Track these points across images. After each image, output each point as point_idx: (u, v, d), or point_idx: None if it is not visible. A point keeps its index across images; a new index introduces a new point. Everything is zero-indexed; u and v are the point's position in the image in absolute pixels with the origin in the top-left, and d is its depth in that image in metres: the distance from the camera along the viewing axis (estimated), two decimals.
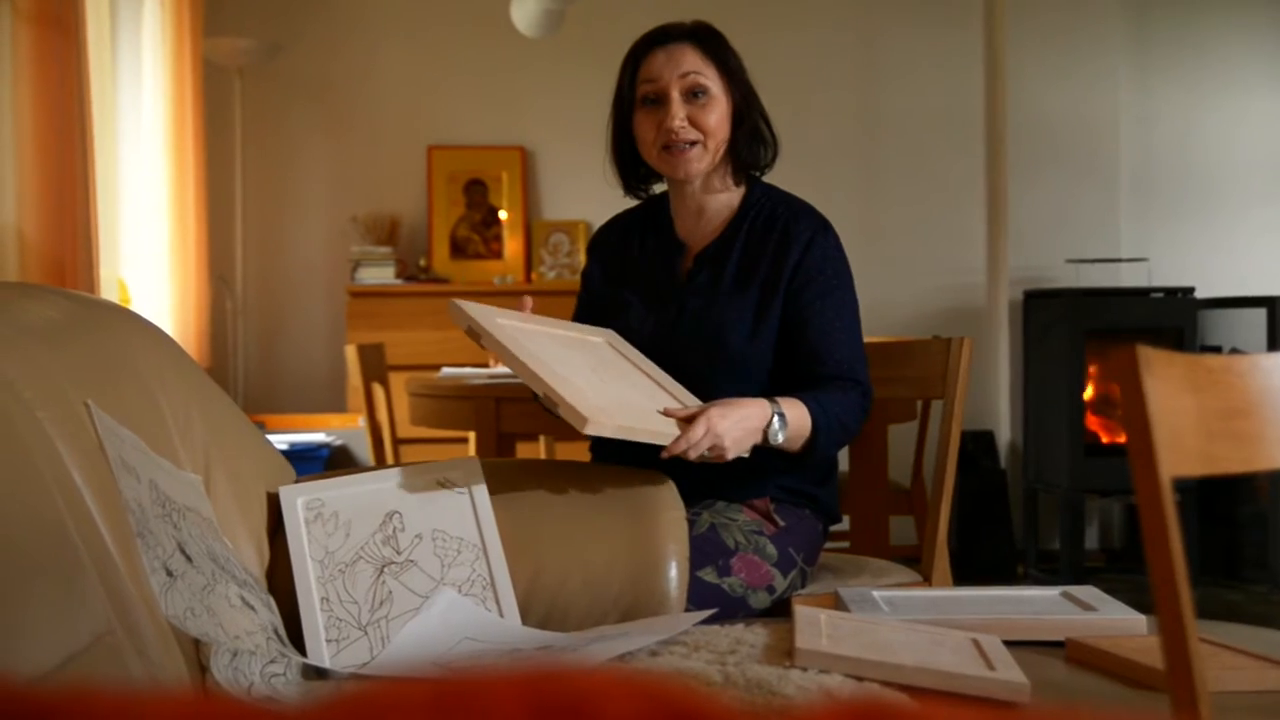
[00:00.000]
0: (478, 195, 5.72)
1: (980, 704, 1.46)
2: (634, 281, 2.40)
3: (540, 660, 1.73)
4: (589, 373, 2.09)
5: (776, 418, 2.11)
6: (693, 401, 2.18)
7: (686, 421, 2.02)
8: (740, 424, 2.06)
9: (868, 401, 2.29)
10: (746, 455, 2.10)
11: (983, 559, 5.42)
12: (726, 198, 2.39)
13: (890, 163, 5.89)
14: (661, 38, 2.33)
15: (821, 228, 2.33)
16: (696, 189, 2.38)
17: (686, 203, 2.40)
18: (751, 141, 2.34)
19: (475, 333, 2.04)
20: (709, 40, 2.32)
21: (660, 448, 2.01)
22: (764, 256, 2.31)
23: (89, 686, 0.41)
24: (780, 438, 2.12)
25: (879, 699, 0.39)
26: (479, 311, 2.08)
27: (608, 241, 2.50)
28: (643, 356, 2.29)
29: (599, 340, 2.28)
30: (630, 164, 2.42)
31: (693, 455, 2.01)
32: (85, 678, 1.23)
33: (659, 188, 2.47)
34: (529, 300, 2.29)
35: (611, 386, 2.09)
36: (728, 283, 2.32)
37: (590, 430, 1.88)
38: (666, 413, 2.04)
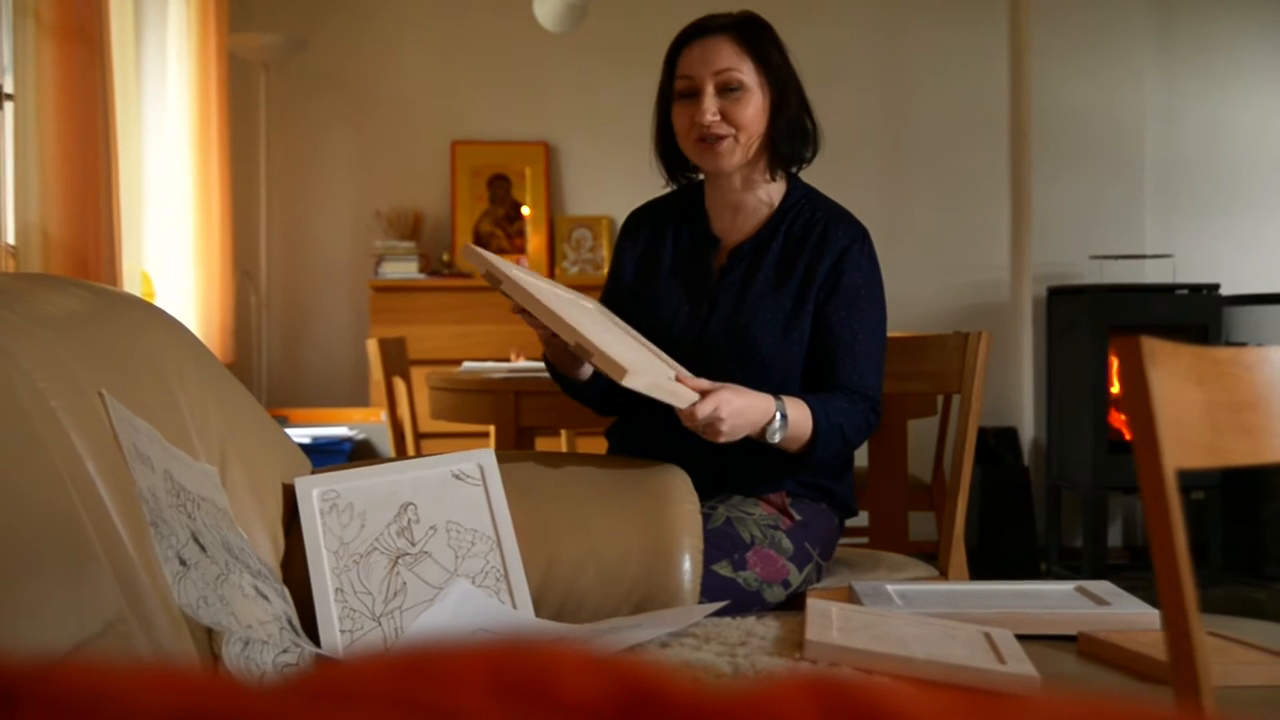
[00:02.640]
0: (501, 190, 5.73)
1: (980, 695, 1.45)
2: (666, 274, 2.38)
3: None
4: (601, 332, 2.10)
5: (779, 417, 2.12)
6: (684, 374, 2.20)
7: (701, 393, 2.04)
8: (744, 413, 2.07)
9: (875, 418, 2.28)
10: (734, 440, 2.10)
11: (1005, 556, 5.41)
12: (765, 194, 2.36)
13: (915, 158, 5.87)
14: (700, 30, 2.30)
15: (860, 237, 2.31)
16: (735, 184, 2.35)
17: (724, 197, 2.38)
18: (790, 135, 2.30)
19: (495, 278, 2.04)
20: (749, 33, 2.29)
21: (667, 435, 2.09)
22: (799, 260, 2.30)
23: (86, 665, 0.41)
24: (778, 438, 2.13)
25: (838, 676, 0.40)
26: (492, 258, 2.08)
27: (641, 226, 2.47)
28: (630, 329, 2.30)
29: (591, 306, 2.29)
30: (672, 155, 2.41)
31: (693, 425, 2.03)
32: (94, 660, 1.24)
33: (702, 176, 2.45)
34: (523, 259, 2.30)
35: (625, 346, 2.10)
36: (760, 283, 2.30)
37: (628, 381, 1.87)
38: (684, 382, 2.04)
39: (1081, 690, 1.49)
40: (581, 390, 2.34)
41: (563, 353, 2.21)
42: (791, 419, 2.14)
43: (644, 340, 2.25)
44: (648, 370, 1.98)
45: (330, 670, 0.38)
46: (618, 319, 2.31)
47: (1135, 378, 1.05)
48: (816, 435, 2.18)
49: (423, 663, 0.38)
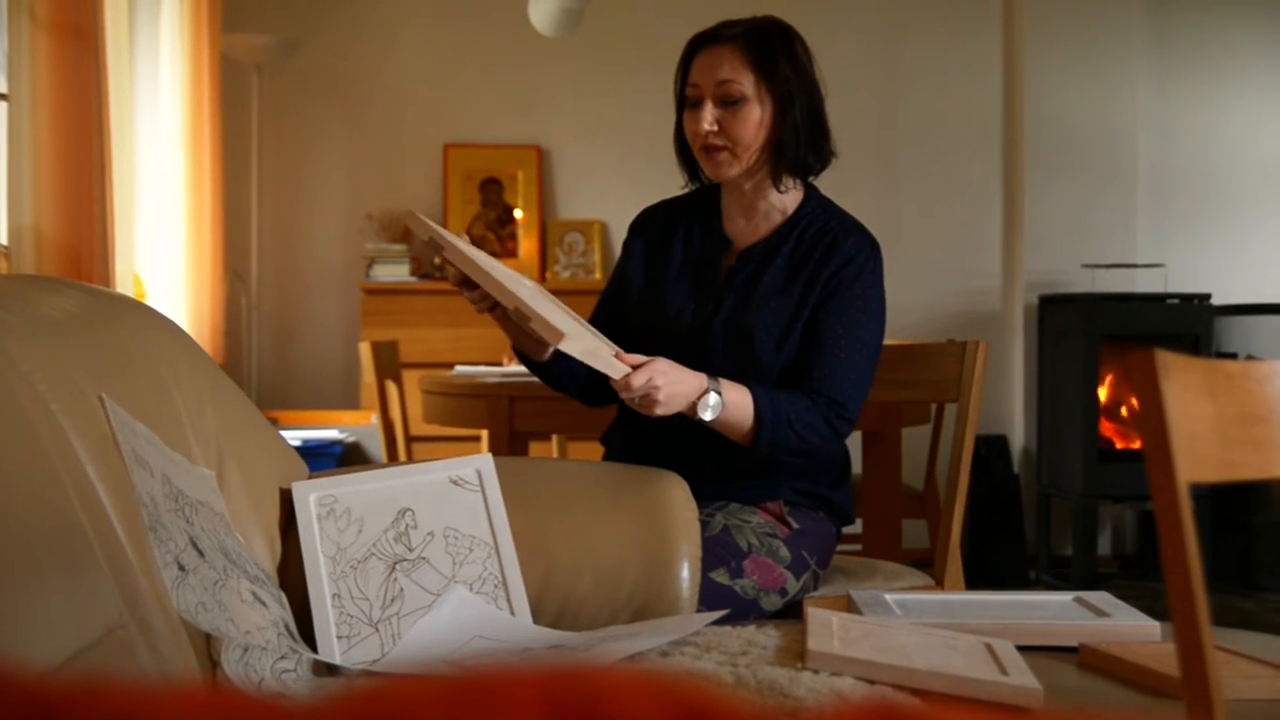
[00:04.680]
0: (493, 194, 5.72)
1: (994, 709, 1.45)
2: (675, 271, 2.37)
3: (556, 659, 1.73)
4: (544, 300, 2.11)
5: (712, 394, 2.10)
6: (619, 351, 2.19)
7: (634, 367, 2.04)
8: (677, 384, 2.06)
9: (843, 425, 2.22)
10: (667, 415, 2.09)
11: (995, 564, 5.41)
12: (779, 201, 2.35)
13: (908, 165, 5.88)
14: (708, 39, 2.30)
15: (868, 248, 2.30)
16: (746, 189, 2.35)
17: (738, 200, 2.37)
18: (795, 146, 2.28)
19: (437, 245, 2.04)
20: (758, 42, 2.27)
21: (664, 441, 2.13)
22: (805, 268, 2.28)
23: (103, 681, 0.40)
24: (709, 415, 2.10)
25: (895, 702, 0.39)
26: (435, 225, 2.08)
27: (652, 225, 2.46)
28: (571, 310, 2.28)
29: (530, 285, 2.28)
30: (692, 158, 2.41)
31: (627, 396, 2.03)
32: (96, 671, 1.23)
33: None
34: (466, 236, 2.28)
35: (564, 318, 2.09)
36: (766, 285, 2.29)
37: (564, 346, 1.90)
38: (619, 357, 2.04)
39: (1088, 707, 1.48)
40: (558, 378, 2.34)
41: (520, 333, 2.20)
42: (728, 401, 2.12)
43: (581, 320, 2.24)
44: (584, 339, 1.99)
45: (379, 693, 0.37)
46: (559, 301, 2.29)
47: (1149, 391, 1.04)
48: (760, 424, 2.15)
49: (473, 686, 0.37)
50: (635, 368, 2.02)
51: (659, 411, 2.05)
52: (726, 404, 2.11)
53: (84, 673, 1.20)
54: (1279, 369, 1.16)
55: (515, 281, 2.12)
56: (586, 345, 1.97)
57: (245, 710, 0.38)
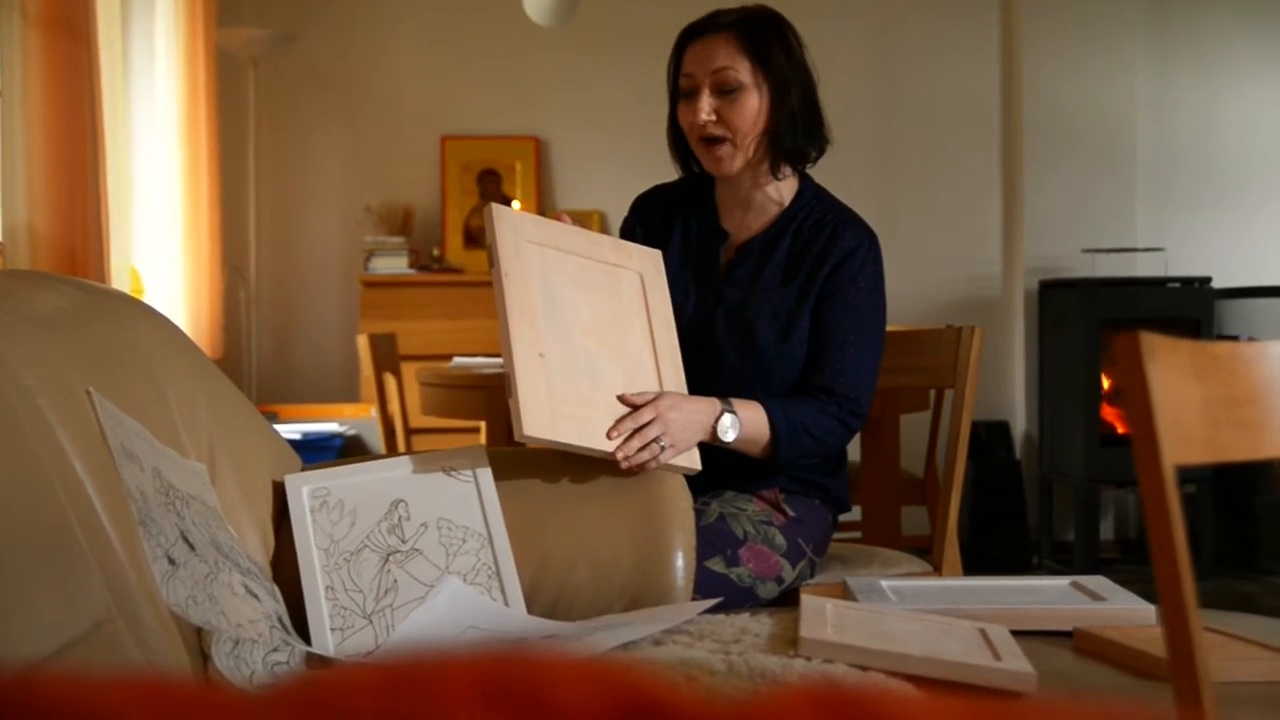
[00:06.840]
0: (491, 185, 5.71)
1: (987, 694, 1.44)
2: (675, 262, 2.33)
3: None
4: (580, 337, 2.05)
5: (727, 415, 2.09)
6: (679, 387, 2.16)
7: (636, 408, 2.02)
8: (689, 416, 2.05)
9: (853, 419, 2.23)
10: (697, 469, 2.07)
11: (997, 550, 5.40)
12: (775, 192, 2.34)
13: (906, 153, 5.86)
14: (702, 28, 2.28)
15: (867, 241, 2.28)
16: (744, 181, 2.33)
17: (734, 192, 2.36)
18: (793, 133, 2.27)
19: (491, 259, 2.01)
20: (751, 31, 2.25)
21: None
22: (805, 261, 2.27)
23: (66, 674, 0.40)
24: (731, 436, 2.10)
25: (842, 684, 0.38)
26: (507, 228, 2.03)
27: (651, 211, 2.43)
28: (666, 303, 2.21)
29: (632, 272, 2.20)
30: (685, 151, 2.39)
31: (636, 443, 1.98)
32: (81, 665, 1.22)
33: None
34: (566, 217, 2.21)
35: (591, 365, 2.05)
36: (766, 280, 2.28)
37: (522, 440, 1.91)
38: (623, 399, 2.02)
39: (1080, 691, 1.48)
40: None
41: None
42: (744, 419, 2.11)
43: (660, 337, 2.17)
44: (570, 416, 1.96)
45: (316, 681, 0.37)
46: (658, 293, 2.22)
47: (1134, 373, 1.04)
48: (777, 437, 2.15)
49: (411, 673, 0.37)
50: (637, 408, 2.01)
51: (679, 450, 2.03)
52: (743, 421, 2.11)
53: (71, 666, 1.20)
54: (1266, 350, 1.16)
55: (554, 313, 2.05)
56: (565, 434, 1.94)
57: (186, 700, 0.37)
